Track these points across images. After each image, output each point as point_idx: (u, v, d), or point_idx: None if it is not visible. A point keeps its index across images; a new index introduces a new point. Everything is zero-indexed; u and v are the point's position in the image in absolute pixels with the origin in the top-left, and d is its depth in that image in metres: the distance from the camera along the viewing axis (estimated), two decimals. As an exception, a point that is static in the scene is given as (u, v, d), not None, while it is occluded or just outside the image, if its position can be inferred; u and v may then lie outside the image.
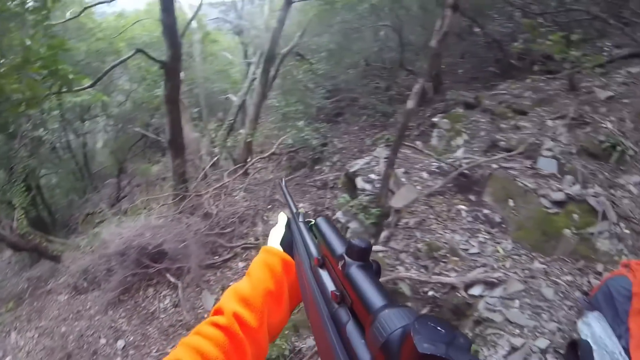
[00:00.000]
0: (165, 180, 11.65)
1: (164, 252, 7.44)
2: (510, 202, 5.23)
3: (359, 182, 6.70)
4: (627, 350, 3.32)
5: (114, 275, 7.52)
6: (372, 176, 6.70)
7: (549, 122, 6.15)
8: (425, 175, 6.41)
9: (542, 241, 4.68)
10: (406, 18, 10.66)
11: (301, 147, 9.92)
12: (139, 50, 7.73)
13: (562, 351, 3.34)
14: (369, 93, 11.07)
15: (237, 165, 10.40)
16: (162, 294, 7.44)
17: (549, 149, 5.57)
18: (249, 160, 10.63)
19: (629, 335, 3.34)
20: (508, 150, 6.03)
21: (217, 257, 7.84)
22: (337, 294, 0.65)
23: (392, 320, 0.48)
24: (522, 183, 5.23)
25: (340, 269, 0.66)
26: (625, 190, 4.89)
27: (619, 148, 5.19)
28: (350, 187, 7.06)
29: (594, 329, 3.48)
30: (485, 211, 5.43)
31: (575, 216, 4.61)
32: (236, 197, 9.25)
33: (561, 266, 4.33)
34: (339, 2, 11.11)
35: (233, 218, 8.55)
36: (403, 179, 6.27)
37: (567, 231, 4.54)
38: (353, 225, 6.23)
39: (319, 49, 11.27)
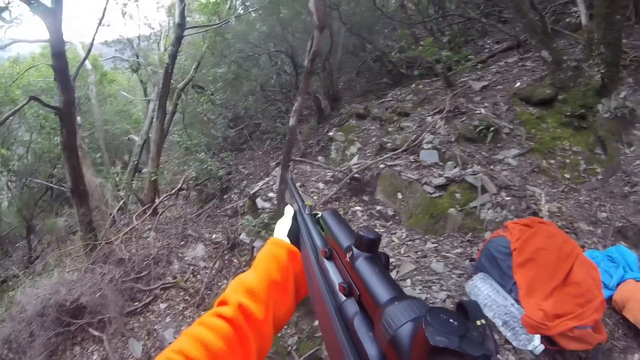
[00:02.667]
0: (76, 233, 10.97)
1: (83, 307, 7.06)
2: (399, 195, 5.42)
3: (259, 202, 6.85)
4: (519, 302, 3.44)
5: (37, 339, 6.91)
6: (271, 194, 6.83)
7: (429, 118, 6.50)
8: (321, 185, 6.56)
9: (431, 224, 4.85)
10: (297, 42, 10.92)
11: (208, 178, 9.71)
12: (32, 98, 7.32)
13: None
14: (270, 117, 11.16)
15: (145, 206, 10.02)
16: (89, 350, 6.94)
17: (430, 142, 5.86)
18: (156, 199, 10.26)
19: (517, 288, 3.48)
20: (394, 149, 6.25)
21: (137, 302, 7.48)
22: (345, 286, 0.64)
23: (402, 313, 0.47)
24: (406, 176, 5.43)
25: (348, 260, 0.65)
26: (504, 164, 5.23)
27: (492, 128, 5.55)
28: (255, 208, 7.10)
29: (481, 289, 3.59)
30: (379, 207, 5.56)
31: (458, 195, 4.85)
32: (148, 239, 8.89)
33: (451, 242, 4.52)
34: (229, 32, 11.22)
35: (147, 260, 8.19)
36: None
37: (452, 210, 4.75)
38: (257, 243, 6.23)
39: (217, 80, 11.20)
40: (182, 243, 8.71)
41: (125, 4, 14.70)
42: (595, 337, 3.29)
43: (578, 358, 3.50)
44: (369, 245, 0.63)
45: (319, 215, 0.91)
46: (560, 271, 3.38)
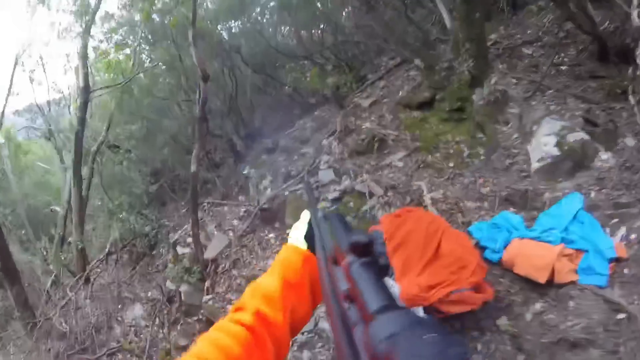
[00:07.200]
0: (13, 316, 10.47)
1: (35, 389, 6.80)
2: (305, 217, 5.71)
3: (179, 249, 7.00)
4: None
5: None
6: (189, 240, 6.93)
7: (324, 142, 7.03)
8: (235, 222, 6.93)
9: (333, 236, 5.13)
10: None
11: (134, 238, 9.61)
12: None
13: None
14: (188, 167, 11.15)
15: (77, 277, 9.76)
16: None
17: (326, 162, 6.39)
18: (87, 268, 10.03)
19: (394, 271, 3.82)
20: (297, 176, 6.66)
21: (88, 373, 7.43)
22: (347, 294, 0.61)
23: (384, 327, 0.45)
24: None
25: (347, 266, 0.63)
26: (392, 167, 5.74)
27: (377, 138, 6.03)
28: (177, 256, 7.15)
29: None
30: (289, 231, 5.80)
31: (351, 204, 5.32)
32: (86, 309, 8.70)
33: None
34: (134, 89, 11.22)
35: (88, 329, 8.04)
36: (215, 232, 6.73)
37: (347, 218, 4.99)
38: (183, 288, 6.43)
39: (131, 137, 11.13)
40: (119, 306, 8.59)
41: (32, 70, 13.75)
42: (477, 297, 3.64)
43: (476, 319, 3.81)
44: (363, 250, 0.62)
45: (325, 215, 0.89)
46: (429, 248, 3.79)
